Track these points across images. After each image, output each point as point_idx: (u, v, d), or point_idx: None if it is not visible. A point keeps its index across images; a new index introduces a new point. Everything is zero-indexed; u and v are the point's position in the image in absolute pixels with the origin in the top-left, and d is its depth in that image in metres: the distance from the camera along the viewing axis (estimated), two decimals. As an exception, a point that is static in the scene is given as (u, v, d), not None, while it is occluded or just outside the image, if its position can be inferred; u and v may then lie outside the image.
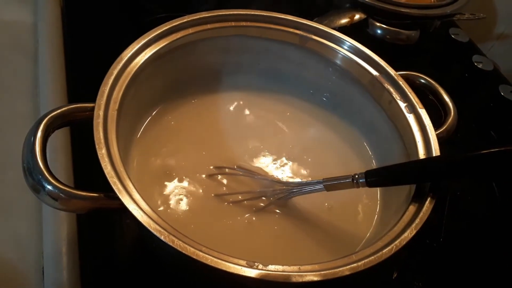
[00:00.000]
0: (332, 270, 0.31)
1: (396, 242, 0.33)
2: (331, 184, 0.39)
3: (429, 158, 0.40)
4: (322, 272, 0.30)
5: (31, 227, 0.45)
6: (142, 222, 0.30)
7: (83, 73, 0.57)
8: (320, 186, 0.40)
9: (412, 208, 0.37)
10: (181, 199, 0.42)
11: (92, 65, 0.57)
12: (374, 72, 0.47)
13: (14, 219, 0.45)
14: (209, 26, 0.46)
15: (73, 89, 0.55)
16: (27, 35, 0.62)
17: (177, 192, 0.42)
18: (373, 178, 0.38)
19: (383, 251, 0.33)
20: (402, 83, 0.45)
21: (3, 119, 0.53)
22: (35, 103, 0.55)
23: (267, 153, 0.48)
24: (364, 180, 0.38)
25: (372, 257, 0.32)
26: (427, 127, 0.42)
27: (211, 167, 0.44)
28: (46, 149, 0.34)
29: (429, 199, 0.37)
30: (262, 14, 0.48)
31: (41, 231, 0.44)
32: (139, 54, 0.42)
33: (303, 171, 0.47)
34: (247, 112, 0.51)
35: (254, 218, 0.41)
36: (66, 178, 0.46)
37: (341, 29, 0.60)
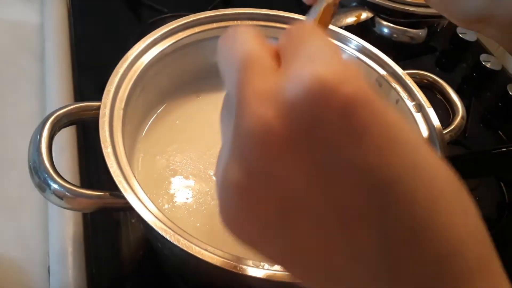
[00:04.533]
0: (339, 270, 0.30)
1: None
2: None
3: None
4: (329, 272, 0.30)
5: (37, 226, 0.45)
6: (147, 221, 0.30)
7: (90, 72, 0.57)
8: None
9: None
10: (187, 198, 0.41)
11: (99, 64, 0.57)
12: (381, 71, 0.47)
13: (20, 218, 0.45)
14: (214, 25, 0.46)
15: (79, 88, 0.55)
16: (34, 35, 0.63)
17: (183, 190, 0.42)
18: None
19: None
20: (409, 82, 0.45)
21: (10, 119, 0.53)
22: (41, 103, 0.55)
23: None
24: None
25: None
26: (435, 127, 0.41)
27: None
28: (52, 148, 0.34)
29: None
30: (268, 13, 0.48)
31: (47, 230, 0.44)
32: (145, 53, 0.42)
33: (309, 171, 0.46)
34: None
35: (260, 218, 0.41)
36: (72, 177, 0.46)
37: (348, 28, 0.59)
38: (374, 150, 0.15)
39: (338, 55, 0.16)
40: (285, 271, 0.29)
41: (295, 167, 0.16)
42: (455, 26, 0.76)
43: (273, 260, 0.19)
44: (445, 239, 0.15)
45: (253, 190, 0.17)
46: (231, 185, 0.17)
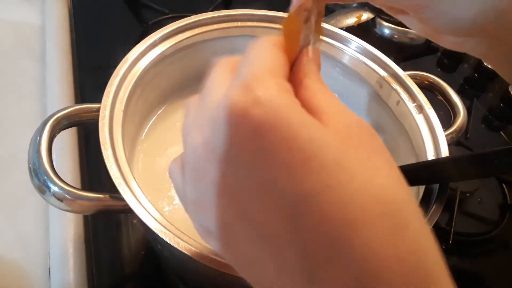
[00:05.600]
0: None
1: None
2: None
3: (438, 159, 0.39)
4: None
5: (38, 228, 0.45)
6: (147, 223, 0.30)
7: (91, 73, 0.57)
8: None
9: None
10: (187, 200, 0.41)
11: (100, 65, 0.57)
12: (382, 72, 0.46)
13: (21, 219, 0.45)
14: (215, 26, 0.46)
15: (80, 89, 0.55)
16: (35, 36, 0.63)
17: (183, 193, 0.42)
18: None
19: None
20: (410, 83, 0.45)
21: (11, 120, 0.53)
22: (42, 104, 0.55)
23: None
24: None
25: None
26: (436, 128, 0.41)
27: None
28: (54, 150, 0.34)
29: (437, 201, 0.36)
30: (269, 14, 0.48)
31: (47, 232, 0.44)
32: (145, 54, 0.42)
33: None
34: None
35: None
36: (73, 179, 0.46)
37: (348, 29, 0.59)
38: (283, 171, 0.15)
39: (264, 73, 0.17)
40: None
41: (220, 185, 0.17)
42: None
43: (235, 268, 0.20)
44: (364, 262, 0.15)
45: (197, 210, 0.19)
46: (186, 205, 0.20)
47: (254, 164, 0.16)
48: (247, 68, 0.17)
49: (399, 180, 0.17)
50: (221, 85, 0.19)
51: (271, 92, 0.16)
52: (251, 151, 0.16)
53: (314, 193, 0.15)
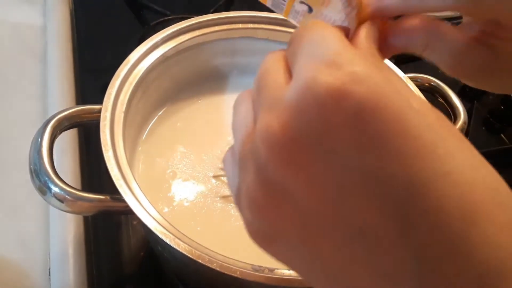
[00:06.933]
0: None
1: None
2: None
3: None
4: (329, 277, 0.30)
5: (38, 228, 0.45)
6: (148, 224, 0.30)
7: (92, 74, 0.57)
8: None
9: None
10: (187, 201, 0.41)
11: (101, 67, 0.57)
12: (383, 74, 0.46)
13: (22, 220, 0.45)
14: (216, 28, 0.46)
15: (81, 90, 0.55)
16: (36, 37, 0.63)
17: (183, 193, 0.42)
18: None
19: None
20: (411, 85, 0.45)
21: (12, 121, 0.53)
22: (43, 105, 0.55)
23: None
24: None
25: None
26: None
27: (218, 166, 0.44)
28: (54, 151, 0.34)
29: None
30: (270, 16, 0.48)
31: (48, 232, 0.44)
32: (146, 56, 0.42)
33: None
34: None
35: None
36: (74, 180, 0.46)
37: (349, 31, 0.59)
38: (392, 158, 0.13)
39: (345, 48, 0.15)
40: (290, 276, 0.29)
41: (306, 178, 0.15)
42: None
43: (300, 274, 0.18)
44: (488, 259, 0.13)
45: (269, 207, 0.16)
46: (249, 203, 0.16)
47: (355, 153, 0.14)
48: (316, 47, 0.15)
49: (490, 166, 0.15)
50: (281, 70, 0.17)
51: (368, 66, 0.14)
52: (350, 138, 0.14)
53: (430, 182, 0.13)
